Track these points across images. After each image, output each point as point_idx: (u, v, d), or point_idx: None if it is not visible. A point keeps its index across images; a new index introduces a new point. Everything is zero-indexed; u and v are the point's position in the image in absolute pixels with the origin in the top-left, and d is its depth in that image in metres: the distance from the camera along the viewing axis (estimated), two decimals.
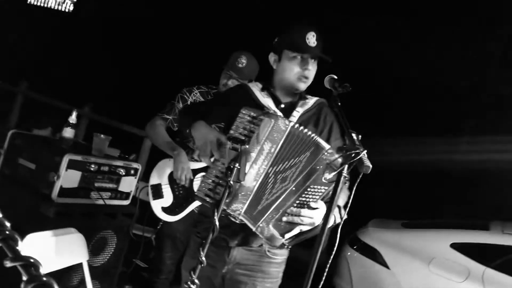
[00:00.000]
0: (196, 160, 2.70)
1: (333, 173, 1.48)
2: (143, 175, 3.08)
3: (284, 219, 1.67)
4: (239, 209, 1.64)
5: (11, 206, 2.27)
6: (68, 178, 2.30)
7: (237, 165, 1.55)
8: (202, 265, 1.47)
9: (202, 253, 1.47)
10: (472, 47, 5.50)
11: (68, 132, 2.62)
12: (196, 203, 2.67)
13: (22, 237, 1.99)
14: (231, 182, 1.54)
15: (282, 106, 1.90)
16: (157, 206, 2.64)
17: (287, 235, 1.69)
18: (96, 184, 2.45)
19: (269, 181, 1.66)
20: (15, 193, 2.32)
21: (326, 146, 1.63)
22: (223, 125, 2.09)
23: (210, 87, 2.85)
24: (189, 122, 1.88)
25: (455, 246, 3.74)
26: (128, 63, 7.53)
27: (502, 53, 5.42)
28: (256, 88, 1.93)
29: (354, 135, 1.45)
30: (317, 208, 1.68)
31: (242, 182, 1.61)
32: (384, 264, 3.85)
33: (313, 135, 1.62)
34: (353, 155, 1.36)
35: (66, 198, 2.30)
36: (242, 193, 1.63)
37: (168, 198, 2.65)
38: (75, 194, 2.34)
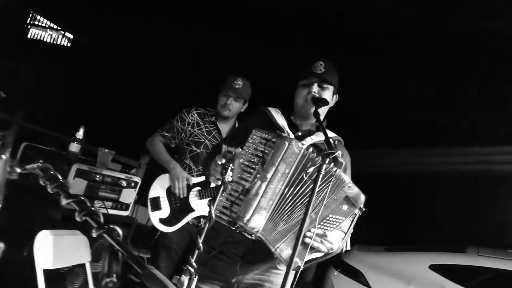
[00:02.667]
0: (193, 176, 2.94)
1: (313, 167, 1.70)
2: (139, 200, 3.27)
3: (307, 240, 1.73)
4: (257, 228, 1.71)
5: (24, 211, 2.48)
6: (75, 186, 2.52)
7: (231, 165, 1.79)
8: (199, 250, 1.68)
9: (199, 239, 1.67)
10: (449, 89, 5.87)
11: (74, 147, 2.85)
12: (191, 216, 2.88)
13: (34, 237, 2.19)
14: (225, 181, 1.77)
15: (299, 134, 2.02)
16: (155, 217, 2.85)
17: (305, 259, 1.74)
18: (100, 194, 2.67)
19: (287, 202, 1.73)
20: (27, 199, 2.52)
21: (347, 179, 1.73)
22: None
23: (208, 110, 3.12)
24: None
25: (434, 268, 3.95)
26: (123, 95, 7.83)
27: (476, 93, 5.78)
28: (274, 111, 2.08)
29: (331, 141, 1.71)
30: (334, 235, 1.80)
31: (261, 203, 1.71)
32: (367, 285, 4.03)
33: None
34: (329, 154, 1.61)
35: None
36: (259, 213, 1.71)
37: (165, 210, 2.87)
38: None
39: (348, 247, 2.01)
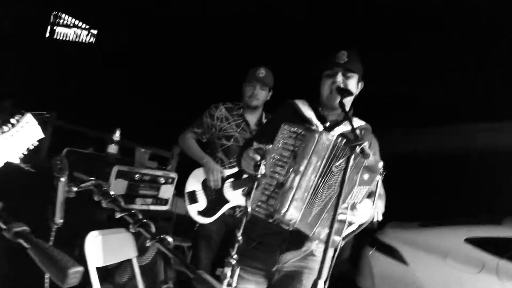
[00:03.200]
0: (225, 168, 3.05)
1: (342, 159, 1.78)
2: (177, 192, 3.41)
3: (341, 217, 1.79)
4: (294, 219, 1.81)
5: (70, 213, 2.64)
6: (117, 186, 2.67)
7: (263, 161, 1.87)
8: (239, 243, 1.78)
9: (238, 233, 1.78)
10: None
11: (112, 149, 3.01)
12: (226, 206, 3.00)
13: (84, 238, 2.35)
14: (259, 176, 1.86)
15: (327, 124, 2.08)
16: (193, 210, 2.98)
17: (342, 235, 1.83)
18: (140, 192, 2.81)
19: (319, 191, 1.83)
20: (72, 202, 2.69)
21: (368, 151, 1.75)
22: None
23: (235, 103, 3.21)
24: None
25: (469, 241, 3.97)
26: (150, 88, 8.00)
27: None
28: (301, 103, 2.15)
29: (357, 132, 1.77)
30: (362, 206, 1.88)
31: (296, 196, 1.80)
32: (403, 261, 4.10)
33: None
34: (357, 145, 1.67)
35: None
36: (294, 205, 1.80)
37: (202, 202, 2.99)
38: (125, 200, 2.71)
39: (380, 218, 2.12)
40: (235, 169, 3.04)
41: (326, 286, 1.82)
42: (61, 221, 1.07)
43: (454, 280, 3.85)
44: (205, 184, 3.02)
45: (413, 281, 3.98)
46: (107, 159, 2.88)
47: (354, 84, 2.10)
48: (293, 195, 1.81)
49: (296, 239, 2.01)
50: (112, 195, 1.08)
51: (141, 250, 2.85)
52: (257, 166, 1.84)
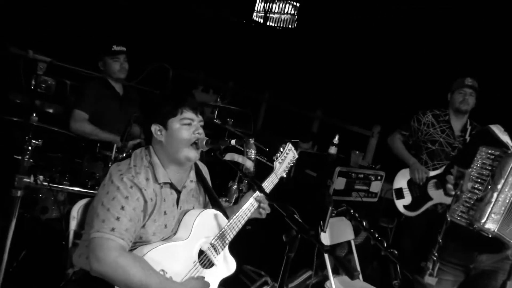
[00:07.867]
0: (429, 169, 3.49)
1: None
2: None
3: None
4: (492, 228, 2.24)
5: (304, 202, 3.49)
6: (338, 183, 3.40)
7: (461, 181, 2.31)
8: (440, 245, 2.28)
9: (439, 236, 2.27)
10: None
11: (332, 150, 3.73)
12: (429, 203, 3.45)
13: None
14: (459, 193, 2.31)
15: None
16: (400, 204, 3.53)
17: None
18: (355, 187, 3.50)
19: None
20: (304, 193, 3.52)
21: None
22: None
23: (442, 110, 3.59)
24: None
25: None
26: (357, 74, 8.29)
27: None
28: (496, 128, 2.49)
29: None
30: None
31: (494, 209, 2.22)
32: None
33: None
34: None
35: (338, 196, 3.41)
36: (493, 217, 2.23)
37: (408, 198, 3.51)
38: (343, 194, 3.43)
39: None
40: (439, 171, 3.45)
41: None
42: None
43: None
44: (410, 183, 3.52)
45: None
46: (330, 159, 3.62)
47: None
48: (491, 208, 2.24)
49: (495, 243, 2.41)
50: (362, 222, 1.75)
51: (355, 233, 3.55)
52: (456, 185, 2.32)
